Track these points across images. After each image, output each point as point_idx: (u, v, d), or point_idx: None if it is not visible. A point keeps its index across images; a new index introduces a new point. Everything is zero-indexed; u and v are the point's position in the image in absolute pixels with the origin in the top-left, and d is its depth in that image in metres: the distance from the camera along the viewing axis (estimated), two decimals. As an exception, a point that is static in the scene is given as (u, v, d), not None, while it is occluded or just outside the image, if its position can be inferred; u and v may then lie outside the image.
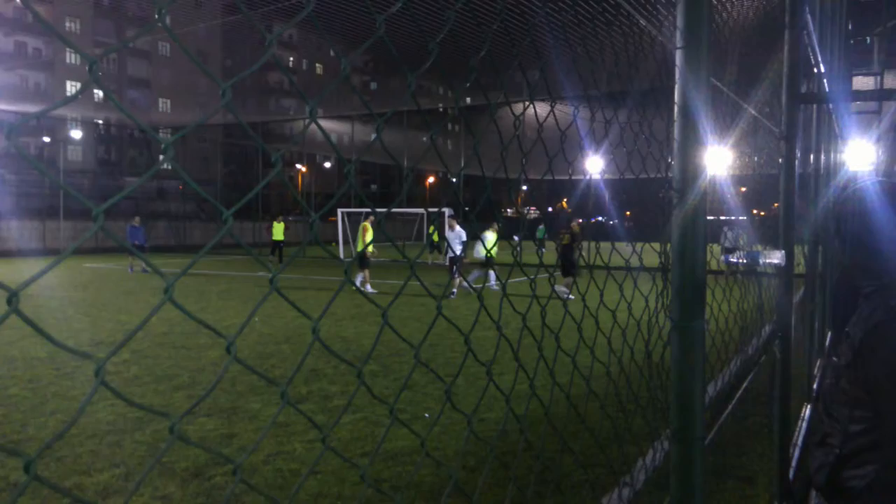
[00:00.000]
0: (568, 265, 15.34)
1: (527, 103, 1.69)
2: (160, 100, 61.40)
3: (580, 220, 17.03)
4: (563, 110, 2.11)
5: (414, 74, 1.18)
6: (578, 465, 4.59)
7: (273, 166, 0.99)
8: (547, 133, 1.72)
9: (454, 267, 15.70)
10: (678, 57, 1.77)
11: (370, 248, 17.02)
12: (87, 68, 0.64)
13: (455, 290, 15.82)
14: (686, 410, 1.76)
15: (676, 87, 1.78)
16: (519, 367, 1.50)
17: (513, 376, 1.53)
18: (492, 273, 15.54)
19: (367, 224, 17.00)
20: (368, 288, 16.35)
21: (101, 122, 51.68)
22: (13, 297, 0.57)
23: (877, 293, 2.00)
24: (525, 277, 1.62)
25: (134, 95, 60.69)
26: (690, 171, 1.77)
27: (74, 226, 34.76)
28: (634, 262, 1.94)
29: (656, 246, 2.42)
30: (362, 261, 16.59)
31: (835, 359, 2.21)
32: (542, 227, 35.14)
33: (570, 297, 11.46)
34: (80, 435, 5.56)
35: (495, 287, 16.16)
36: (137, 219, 23.95)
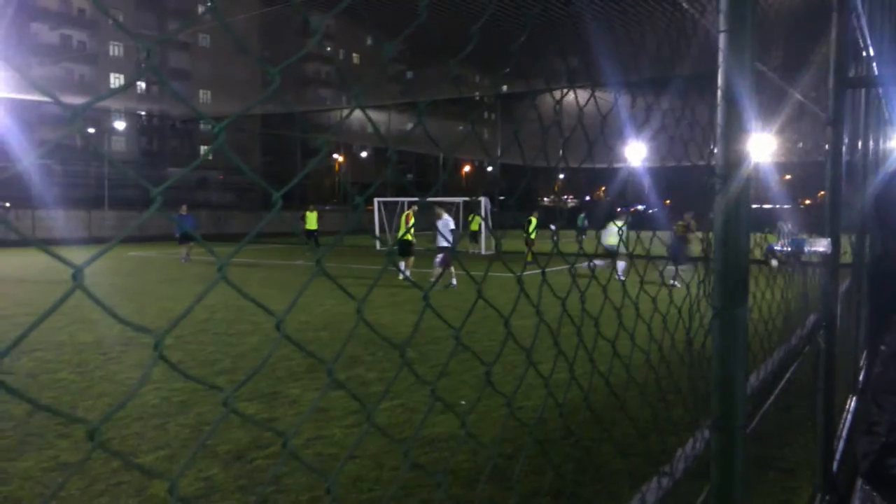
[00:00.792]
0: (678, 256, 15.00)
1: (565, 90, 1.68)
2: (200, 91, 62.38)
3: (691, 214, 16.57)
4: (604, 97, 2.09)
5: (455, 62, 1.19)
6: (618, 454, 4.57)
7: (319, 150, 1.01)
8: (587, 120, 1.71)
9: (443, 256, 15.46)
10: (721, 40, 1.74)
11: (409, 236, 16.89)
12: (141, 57, 0.66)
13: (454, 280, 15.69)
14: (727, 399, 1.74)
15: (719, 71, 1.75)
16: (559, 352, 1.51)
17: (551, 364, 1.54)
18: (620, 264, 14.88)
19: (411, 213, 16.96)
20: (407, 273, 16.25)
21: (143, 113, 52.72)
22: (77, 273, 0.60)
23: None
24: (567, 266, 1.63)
25: (175, 87, 61.59)
26: (733, 157, 1.74)
27: (119, 215, 35.60)
28: (655, 250, 1.92)
29: (698, 233, 2.40)
30: (406, 249, 16.57)
31: (882, 347, 2.18)
32: (582, 215, 34.83)
33: (677, 284, 11.29)
34: (127, 418, 5.72)
35: (622, 277, 15.65)
36: (185, 207, 23.71)
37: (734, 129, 1.75)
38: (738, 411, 1.75)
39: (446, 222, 16.05)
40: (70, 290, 0.58)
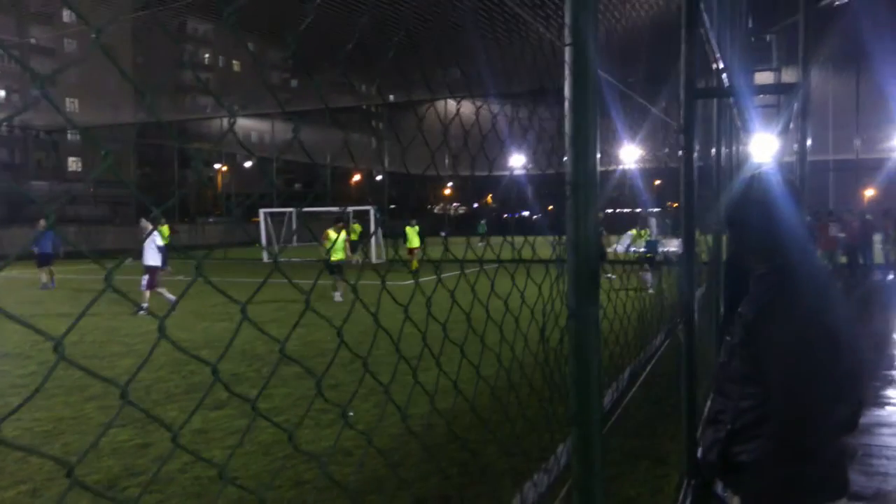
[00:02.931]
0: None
1: (445, 100, 1.71)
2: (67, 99, 58.54)
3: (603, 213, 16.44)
4: (485, 107, 2.14)
5: (319, 80, 1.18)
6: (502, 454, 4.67)
7: (196, 161, 0.97)
8: (470, 129, 1.76)
9: (148, 279, 13.11)
10: (567, 53, 1.83)
11: (339, 255, 14.88)
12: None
13: (146, 304, 12.83)
14: (583, 395, 1.82)
15: (566, 82, 1.84)
16: (400, 358, 1.53)
17: (437, 372, 1.56)
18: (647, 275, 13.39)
19: (333, 230, 15.14)
20: (338, 297, 14.91)
21: (3, 123, 48.89)
22: None
23: (769, 274, 2.12)
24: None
25: (38, 94, 57.53)
26: (581, 164, 1.83)
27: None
28: (527, 254, 2.00)
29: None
30: (336, 269, 14.66)
31: (728, 338, 2.33)
32: (483, 221, 34.89)
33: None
34: (-17, 453, 5.28)
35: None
36: (42, 222, 18.56)
37: (581, 138, 1.84)
38: (593, 407, 1.83)
39: (153, 239, 13.34)
40: None
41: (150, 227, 13.87)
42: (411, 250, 20.94)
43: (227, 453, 5.18)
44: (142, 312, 12.21)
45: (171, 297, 13.34)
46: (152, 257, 13.12)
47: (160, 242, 13.34)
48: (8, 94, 56.52)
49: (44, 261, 18.12)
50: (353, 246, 25.86)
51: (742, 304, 2.23)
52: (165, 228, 22.68)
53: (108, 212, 50.89)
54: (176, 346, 0.96)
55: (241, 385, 7.26)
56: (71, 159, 60.43)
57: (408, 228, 21.39)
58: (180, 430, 0.96)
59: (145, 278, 13.12)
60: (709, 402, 5.07)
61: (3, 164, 55.15)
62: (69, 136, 57.97)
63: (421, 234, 21.21)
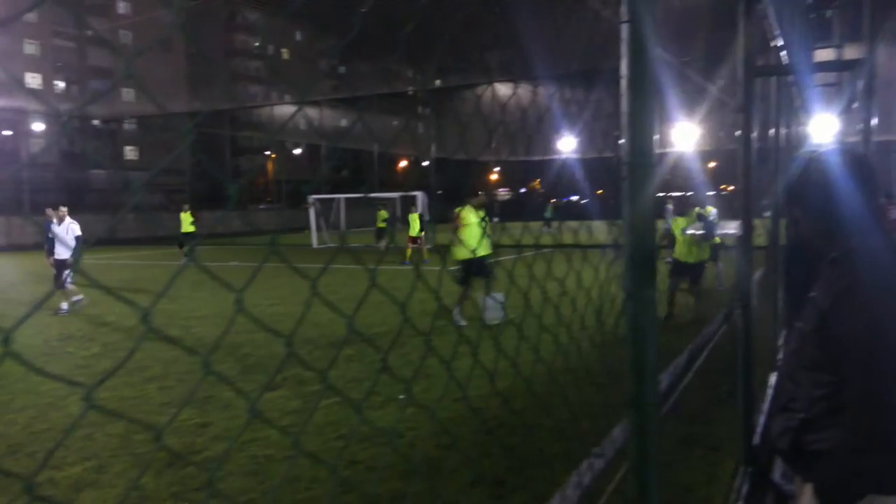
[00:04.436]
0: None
1: (490, 85, 1.71)
2: (123, 90, 60.20)
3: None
4: (534, 91, 2.12)
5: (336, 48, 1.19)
6: (554, 438, 4.66)
7: (248, 149, 0.99)
8: (519, 114, 1.75)
9: (63, 273, 11.64)
10: (624, 30, 1.80)
11: (485, 249, 9.49)
12: (55, 61, 0.63)
13: (66, 305, 11.66)
14: (640, 378, 1.79)
15: (623, 60, 1.81)
16: (453, 339, 1.53)
17: (486, 356, 1.56)
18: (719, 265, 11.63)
19: (468, 212, 9.65)
20: (459, 316, 9.55)
21: (64, 114, 50.60)
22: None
23: (842, 258, 2.04)
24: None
25: (96, 85, 59.44)
26: (638, 144, 1.79)
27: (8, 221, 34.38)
28: (584, 239, 1.98)
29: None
30: (479, 270, 9.44)
31: (799, 324, 2.25)
32: (550, 206, 33.25)
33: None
34: (52, 430, 5.51)
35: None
36: (50, 211, 13.69)
37: (638, 118, 1.80)
38: (650, 389, 1.81)
39: (68, 228, 11.81)
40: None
41: (68, 217, 11.80)
42: (414, 239, 19.35)
43: (282, 433, 5.30)
44: (74, 306, 11.62)
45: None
46: (66, 250, 11.68)
47: (79, 233, 11.87)
48: (67, 85, 58.42)
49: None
50: (379, 233, 25.03)
51: (814, 289, 2.15)
52: (188, 215, 21.55)
53: (164, 199, 52.22)
54: (255, 319, 0.99)
55: (295, 366, 7.39)
56: (128, 148, 62.24)
57: (410, 216, 19.86)
58: (259, 398, 0.98)
59: (68, 274, 11.52)
60: (770, 389, 4.96)
61: (63, 154, 57.09)
62: (125, 126, 59.65)
63: (423, 222, 19.67)
